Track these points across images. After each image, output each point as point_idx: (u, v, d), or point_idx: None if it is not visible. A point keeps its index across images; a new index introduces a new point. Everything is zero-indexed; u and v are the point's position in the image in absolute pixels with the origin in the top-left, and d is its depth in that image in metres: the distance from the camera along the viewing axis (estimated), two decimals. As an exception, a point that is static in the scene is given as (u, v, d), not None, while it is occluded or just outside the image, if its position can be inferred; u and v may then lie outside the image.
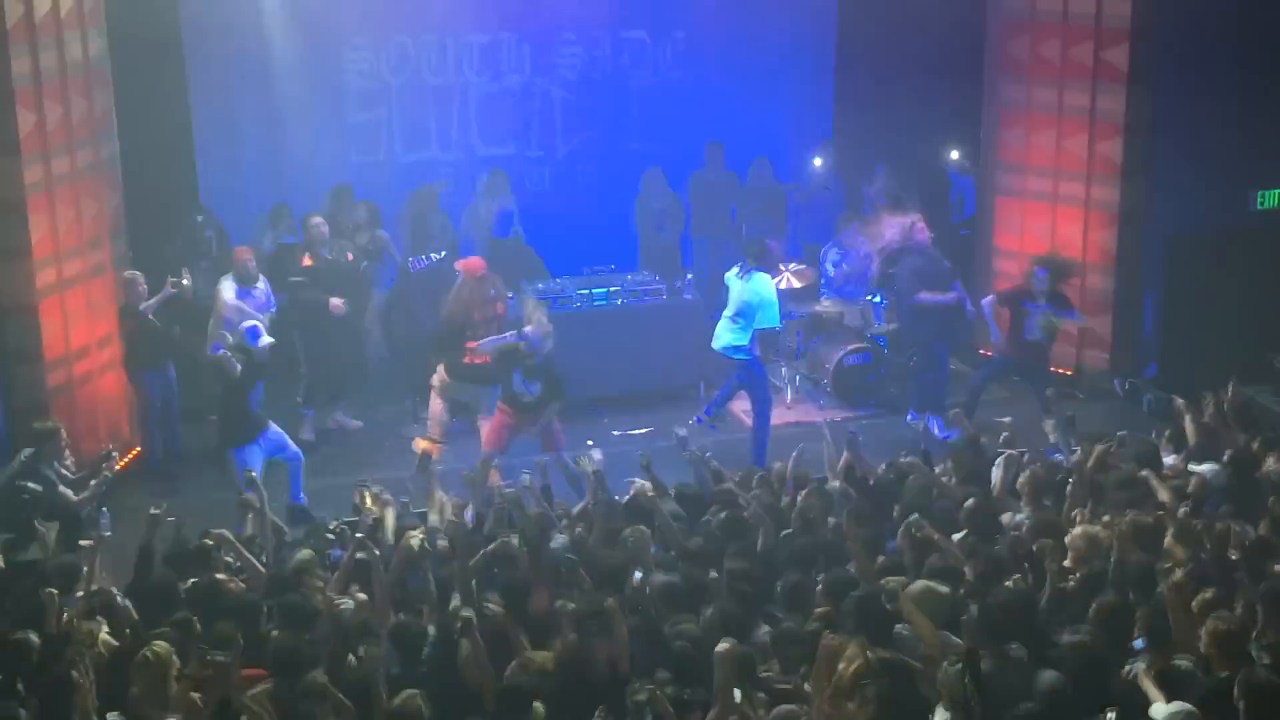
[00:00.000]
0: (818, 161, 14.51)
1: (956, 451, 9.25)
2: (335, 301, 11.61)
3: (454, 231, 13.49)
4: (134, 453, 11.10)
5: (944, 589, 6.75)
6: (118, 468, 10.56)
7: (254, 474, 9.09)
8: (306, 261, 11.85)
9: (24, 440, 9.52)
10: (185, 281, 11.15)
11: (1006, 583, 6.77)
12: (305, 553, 7.56)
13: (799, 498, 8.40)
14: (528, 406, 10.48)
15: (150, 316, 11.00)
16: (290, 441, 10.40)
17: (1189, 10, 11.82)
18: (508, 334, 10.64)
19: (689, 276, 12.94)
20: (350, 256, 12.16)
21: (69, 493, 9.01)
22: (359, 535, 7.71)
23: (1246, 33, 11.95)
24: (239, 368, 9.94)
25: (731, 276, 11.20)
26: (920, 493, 8.38)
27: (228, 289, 11.27)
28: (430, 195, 13.42)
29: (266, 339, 10.19)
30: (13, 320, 9.82)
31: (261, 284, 11.49)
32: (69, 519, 8.80)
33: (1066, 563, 7.10)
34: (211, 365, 11.03)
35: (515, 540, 7.63)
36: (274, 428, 10.27)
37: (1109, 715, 5.74)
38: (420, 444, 10.97)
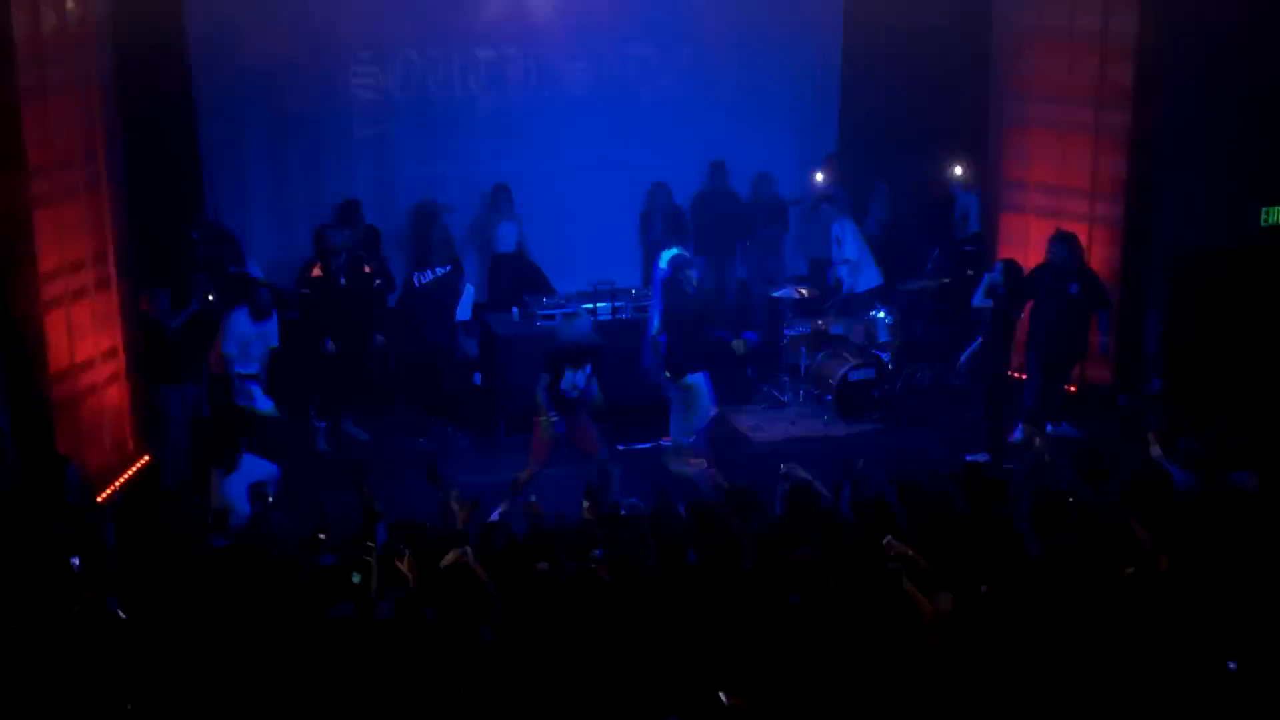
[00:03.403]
0: (819, 176, 14.53)
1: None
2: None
3: (454, 245, 13.52)
4: (142, 463, 11.11)
5: None
6: (123, 480, 10.66)
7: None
8: (316, 272, 11.90)
9: (30, 453, 9.56)
10: (210, 298, 11.21)
11: None
12: None
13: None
14: (569, 405, 10.51)
15: (174, 330, 11.07)
16: (265, 463, 10.34)
17: (1194, 26, 11.80)
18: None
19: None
20: (368, 269, 12.20)
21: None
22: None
23: (1252, 49, 11.94)
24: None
25: None
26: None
27: (239, 320, 11.36)
28: (431, 209, 13.46)
29: (268, 405, 10.38)
30: (18, 332, 9.82)
31: (273, 318, 11.53)
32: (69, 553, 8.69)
33: None
34: (216, 381, 11.11)
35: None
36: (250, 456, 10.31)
37: None
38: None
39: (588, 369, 10.39)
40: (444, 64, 14.06)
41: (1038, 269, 11.76)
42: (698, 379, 10.66)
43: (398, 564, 7.06)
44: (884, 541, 7.25)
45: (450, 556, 7.16)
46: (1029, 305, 11.64)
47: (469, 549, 7.18)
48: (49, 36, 9.84)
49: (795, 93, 15.12)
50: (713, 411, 10.76)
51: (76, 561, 7.67)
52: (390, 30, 13.72)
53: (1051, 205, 12.76)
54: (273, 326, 11.52)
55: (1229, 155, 12.04)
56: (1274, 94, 12.03)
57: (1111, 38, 12.14)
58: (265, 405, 11.04)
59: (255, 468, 10.14)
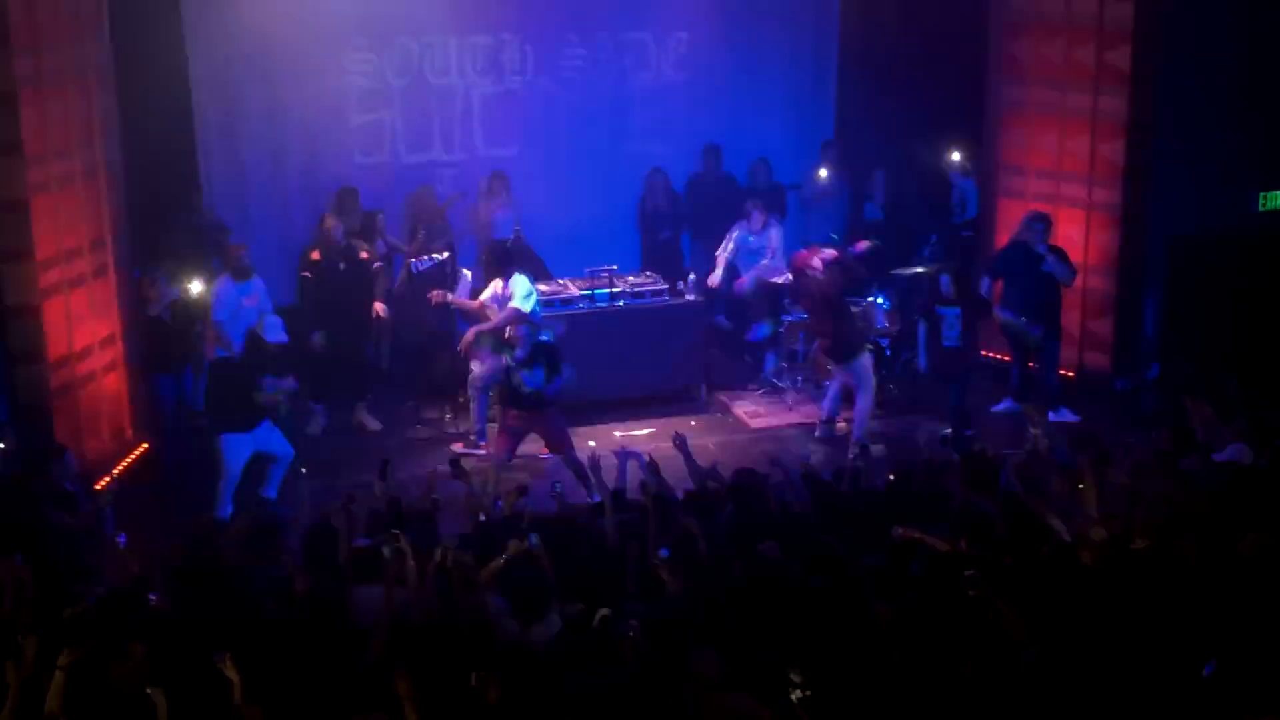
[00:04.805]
0: (822, 173, 14.46)
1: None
2: (378, 306, 12.06)
3: (452, 232, 13.51)
4: (140, 450, 11.11)
5: None
6: (121, 468, 10.66)
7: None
8: (315, 256, 11.87)
9: (28, 441, 9.56)
10: (195, 288, 11.18)
11: None
12: None
13: None
14: (529, 402, 10.47)
15: (163, 319, 11.04)
16: (283, 439, 10.38)
17: (1191, 11, 11.83)
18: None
19: (691, 277, 12.94)
20: (365, 254, 12.17)
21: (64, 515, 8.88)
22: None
23: (1249, 34, 11.95)
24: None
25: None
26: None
27: (221, 285, 11.29)
28: (429, 196, 13.44)
29: (280, 335, 10.33)
30: (16, 320, 9.83)
31: (257, 280, 11.48)
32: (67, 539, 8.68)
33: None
34: (214, 365, 11.08)
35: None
36: (269, 424, 10.28)
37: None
38: None
39: (540, 372, 10.42)
40: (441, 51, 14.00)
41: (1008, 247, 12.05)
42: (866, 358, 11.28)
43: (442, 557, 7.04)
44: (892, 532, 7.25)
45: (513, 546, 7.15)
46: (999, 286, 12.04)
47: (536, 539, 7.12)
48: (46, 25, 9.82)
49: (792, 79, 15.08)
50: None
51: (124, 539, 7.67)
52: (387, 17, 13.66)
53: (1049, 190, 12.78)
54: (259, 288, 11.44)
55: (1226, 140, 12.06)
56: (1271, 78, 12.04)
57: (1108, 22, 12.13)
58: (278, 336, 10.84)
59: (271, 440, 10.12)
